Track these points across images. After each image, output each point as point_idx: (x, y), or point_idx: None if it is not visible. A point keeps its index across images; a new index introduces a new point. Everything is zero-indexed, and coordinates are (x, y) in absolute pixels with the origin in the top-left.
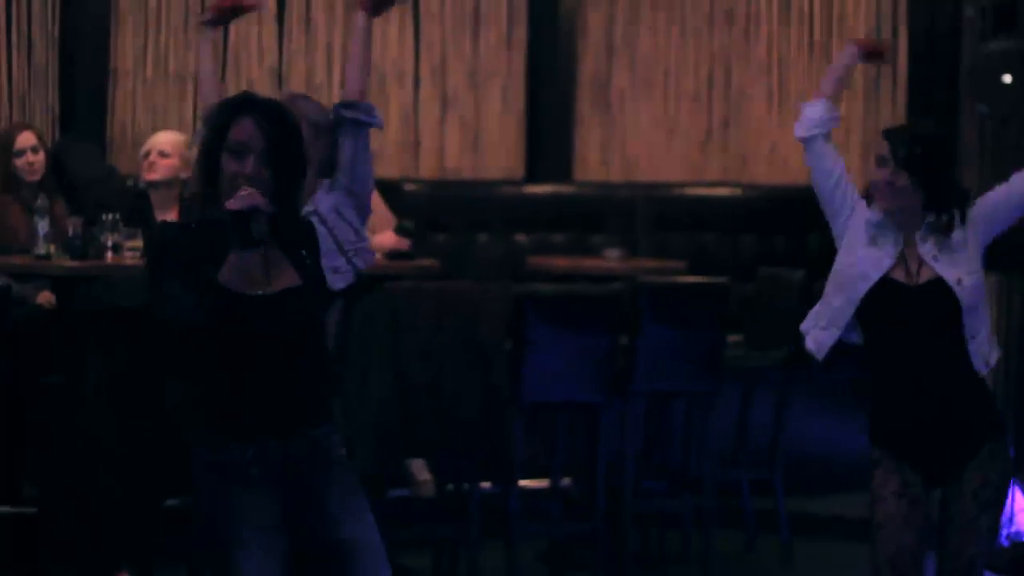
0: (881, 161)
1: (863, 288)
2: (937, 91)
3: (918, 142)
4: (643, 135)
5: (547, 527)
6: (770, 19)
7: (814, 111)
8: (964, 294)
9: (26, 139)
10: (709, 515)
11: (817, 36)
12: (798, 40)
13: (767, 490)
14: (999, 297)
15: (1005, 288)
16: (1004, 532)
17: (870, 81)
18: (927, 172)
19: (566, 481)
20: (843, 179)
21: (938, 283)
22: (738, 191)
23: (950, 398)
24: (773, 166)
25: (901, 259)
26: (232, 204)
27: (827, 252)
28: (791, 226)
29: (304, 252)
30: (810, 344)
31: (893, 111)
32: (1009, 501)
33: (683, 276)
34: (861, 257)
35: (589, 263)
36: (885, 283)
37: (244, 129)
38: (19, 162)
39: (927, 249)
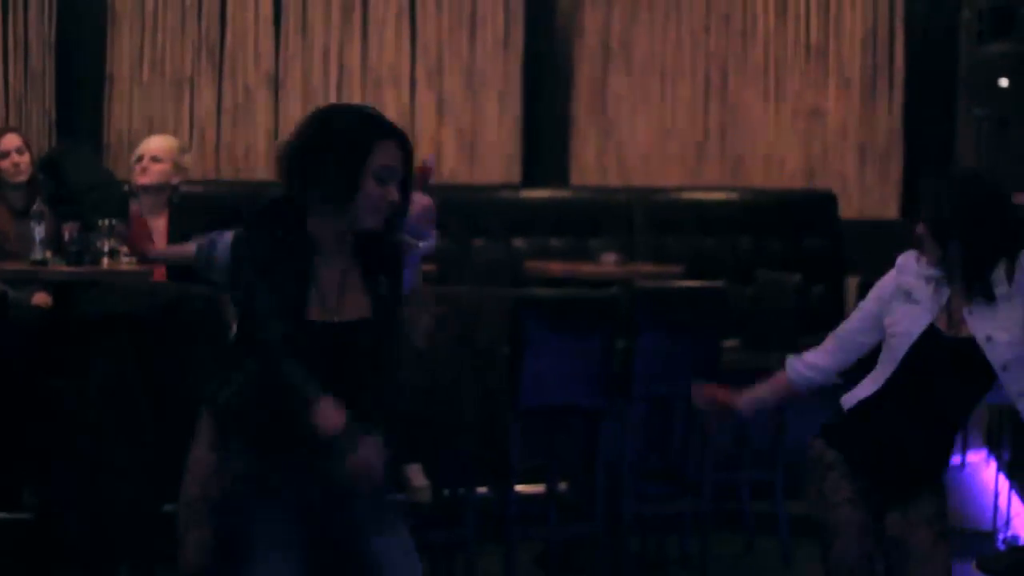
0: (917, 212)
1: (904, 345)
2: (934, 94)
3: (943, 199)
4: (640, 139)
5: (544, 531)
6: (766, 22)
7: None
8: (995, 352)
9: (10, 141)
10: (708, 518)
11: (814, 39)
12: (795, 43)
13: (766, 493)
14: None
15: None
16: (1000, 536)
17: (868, 83)
18: (957, 228)
19: (562, 486)
20: (876, 328)
21: (970, 340)
22: (735, 195)
23: (929, 443)
24: (770, 170)
25: (945, 308)
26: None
27: (823, 255)
28: (788, 229)
29: (382, 278)
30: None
31: (890, 114)
32: (1005, 505)
33: (680, 280)
34: (898, 318)
35: (586, 267)
36: (927, 333)
37: (391, 154)
38: (4, 164)
39: (965, 302)
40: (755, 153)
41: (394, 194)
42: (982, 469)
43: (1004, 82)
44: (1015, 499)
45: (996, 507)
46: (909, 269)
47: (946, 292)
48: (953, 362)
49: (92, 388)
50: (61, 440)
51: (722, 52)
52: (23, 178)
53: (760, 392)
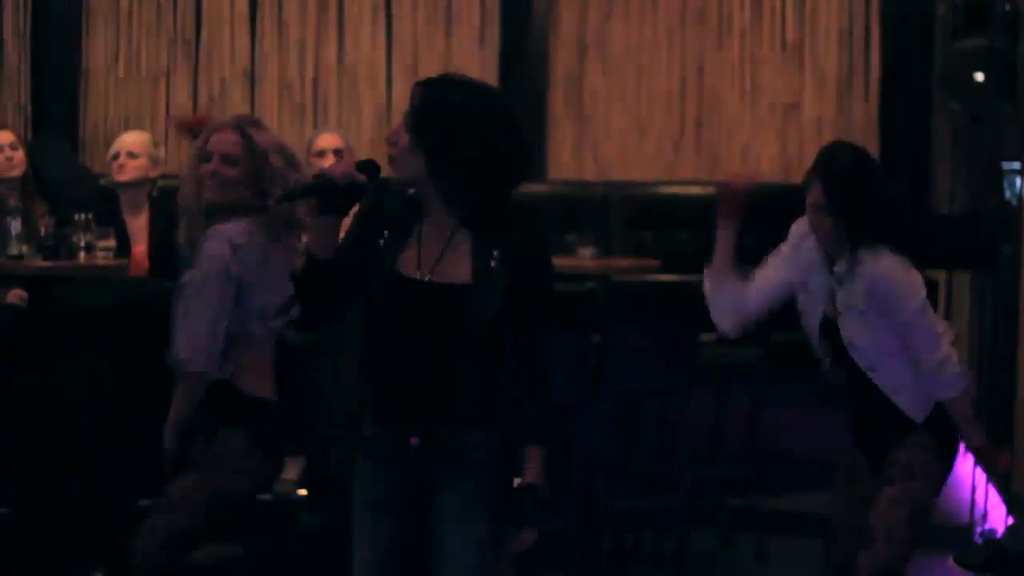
0: (809, 184)
1: (813, 322)
2: (910, 89)
3: (834, 171)
4: (616, 134)
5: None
6: (743, 18)
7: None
8: (859, 357)
9: (4, 136)
10: (683, 514)
11: (790, 35)
12: (770, 39)
13: (741, 489)
14: (972, 294)
15: (979, 286)
16: (977, 530)
17: (844, 79)
18: (844, 201)
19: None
20: (778, 289)
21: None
22: (711, 189)
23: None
24: (746, 164)
25: (830, 297)
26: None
27: None
28: (764, 224)
29: (496, 251)
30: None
31: (866, 109)
32: (982, 500)
33: (656, 275)
34: (802, 304)
35: (563, 262)
36: (822, 324)
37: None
38: None
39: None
40: (731, 148)
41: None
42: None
43: (980, 77)
44: (991, 493)
45: (973, 501)
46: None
47: (828, 279)
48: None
49: (63, 384)
50: (31, 437)
51: (698, 48)
52: (16, 173)
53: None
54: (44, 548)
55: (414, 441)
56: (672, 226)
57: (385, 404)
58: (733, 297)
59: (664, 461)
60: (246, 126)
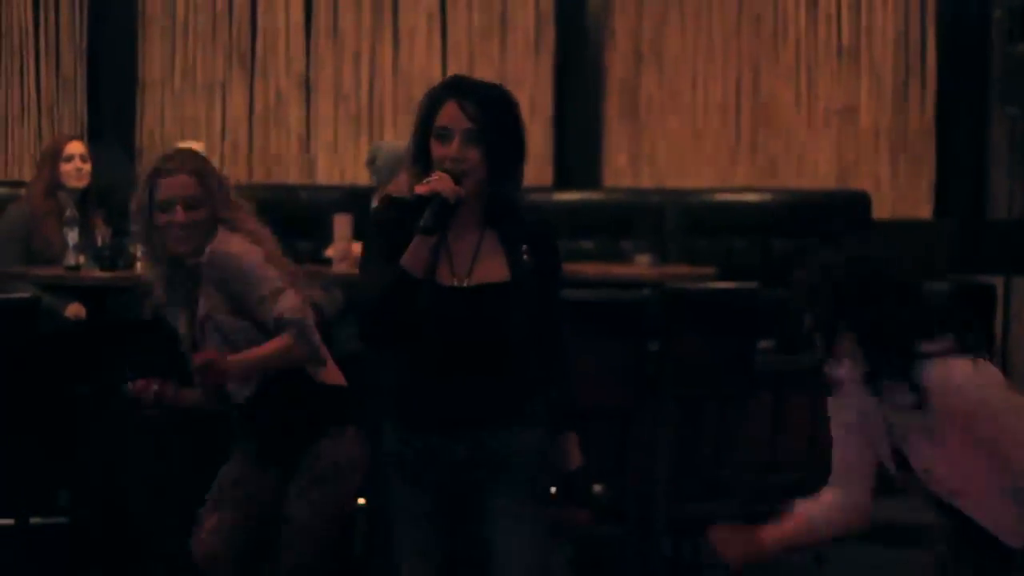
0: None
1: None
2: (966, 93)
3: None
4: (672, 141)
5: (577, 533)
6: (798, 23)
7: None
8: (936, 485)
9: (76, 147)
10: (741, 520)
11: (845, 40)
12: (826, 44)
13: (800, 494)
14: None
15: (1006, 289)
16: None
17: (899, 83)
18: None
19: (597, 488)
20: (867, 459)
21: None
22: (767, 196)
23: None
24: (802, 170)
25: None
26: (418, 188)
27: None
28: (821, 230)
29: (525, 247)
30: None
31: (922, 114)
32: None
33: (713, 281)
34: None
35: (619, 269)
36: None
37: (447, 113)
38: (68, 167)
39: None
40: (788, 154)
41: (455, 149)
42: None
43: None
44: None
45: None
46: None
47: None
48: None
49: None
50: (91, 446)
51: (754, 53)
52: (83, 183)
53: (785, 531)
54: (103, 557)
55: (461, 450)
56: (728, 233)
57: (428, 414)
58: (832, 520)
59: (722, 468)
60: (192, 163)
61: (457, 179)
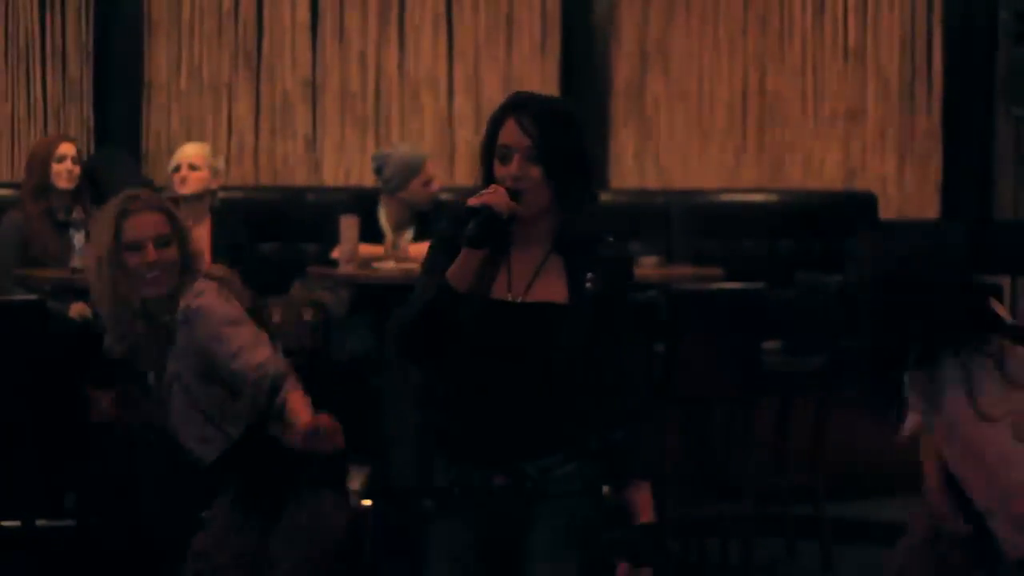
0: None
1: None
2: (973, 94)
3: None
4: (678, 142)
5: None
6: (804, 23)
7: None
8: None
9: (68, 148)
10: (748, 522)
11: (852, 40)
12: (832, 44)
13: (807, 496)
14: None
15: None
16: None
17: (906, 84)
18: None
19: (605, 489)
20: None
21: None
22: (774, 197)
23: None
24: (809, 171)
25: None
26: (471, 200)
27: None
28: (828, 231)
29: (591, 274)
30: None
31: (929, 114)
32: None
33: (720, 282)
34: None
35: None
36: None
37: (507, 131)
38: (59, 167)
39: None
40: (794, 155)
41: (515, 167)
42: None
43: None
44: None
45: None
46: None
47: None
48: None
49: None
50: (99, 448)
51: (760, 53)
52: (73, 185)
53: None
54: (110, 561)
55: (499, 480)
56: (735, 233)
57: (468, 441)
58: None
59: (729, 469)
60: (158, 200)
61: (515, 196)
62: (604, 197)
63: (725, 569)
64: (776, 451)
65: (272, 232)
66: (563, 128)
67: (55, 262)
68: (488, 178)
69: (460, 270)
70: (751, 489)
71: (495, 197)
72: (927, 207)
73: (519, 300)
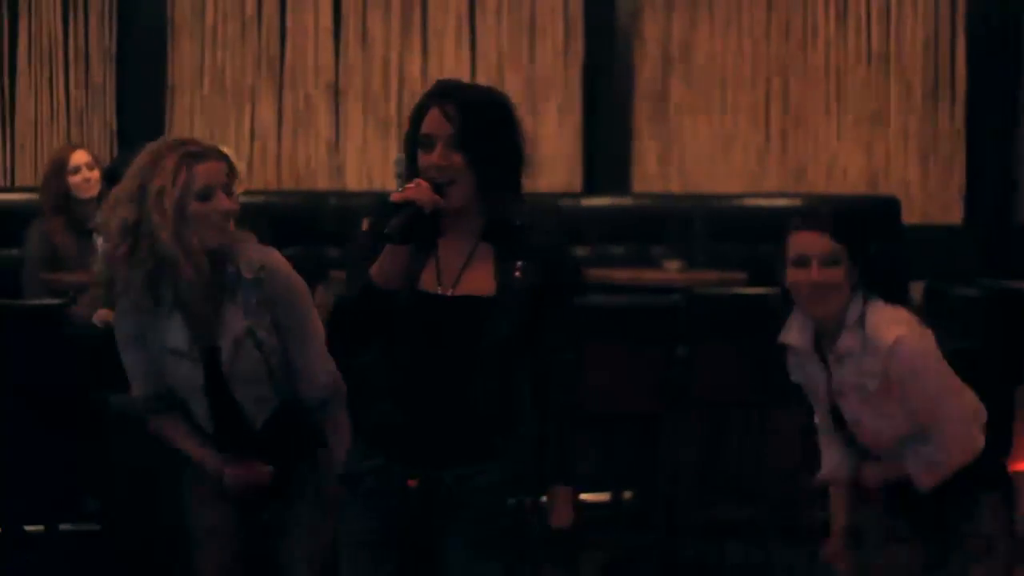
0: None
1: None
2: (996, 98)
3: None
4: (701, 146)
5: (608, 540)
6: (827, 28)
7: None
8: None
9: (80, 157)
10: (768, 527)
11: (875, 45)
12: (856, 49)
13: (827, 502)
14: None
15: None
16: None
17: (929, 88)
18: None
19: (627, 494)
20: None
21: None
22: (797, 201)
23: None
24: (832, 176)
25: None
26: (394, 196)
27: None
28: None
29: (520, 263)
30: None
31: (952, 119)
32: None
33: (742, 287)
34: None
35: (648, 275)
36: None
37: (430, 120)
38: (75, 179)
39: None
40: (817, 159)
41: (437, 155)
42: None
43: None
44: None
45: None
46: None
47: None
48: None
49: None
50: (119, 452)
51: (783, 58)
52: (93, 193)
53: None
54: (133, 564)
55: (412, 483)
56: (757, 238)
57: (389, 436)
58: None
59: (749, 474)
60: (215, 148)
61: (440, 188)
62: (627, 201)
63: (746, 574)
64: (796, 455)
65: (295, 236)
66: (487, 116)
67: (81, 268)
68: (412, 169)
69: (384, 267)
70: (771, 493)
71: (418, 192)
72: (950, 211)
73: (449, 293)
